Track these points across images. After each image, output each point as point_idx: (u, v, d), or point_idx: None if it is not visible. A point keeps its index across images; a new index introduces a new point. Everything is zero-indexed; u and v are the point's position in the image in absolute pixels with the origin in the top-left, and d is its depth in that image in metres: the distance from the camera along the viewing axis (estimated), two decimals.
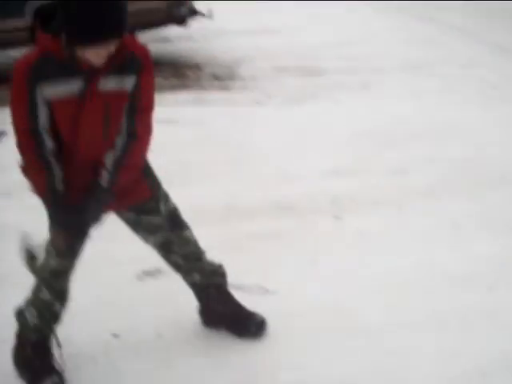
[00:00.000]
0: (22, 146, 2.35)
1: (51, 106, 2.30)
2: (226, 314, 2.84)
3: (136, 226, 2.66)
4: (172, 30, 8.37)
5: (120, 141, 2.42)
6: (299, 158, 4.07)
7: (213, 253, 2.84)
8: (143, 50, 2.40)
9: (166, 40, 8.88)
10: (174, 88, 6.95)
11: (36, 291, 2.58)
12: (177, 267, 2.78)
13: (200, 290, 2.83)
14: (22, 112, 2.29)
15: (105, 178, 2.42)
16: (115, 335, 2.87)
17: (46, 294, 2.55)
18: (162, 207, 2.62)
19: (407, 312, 3.01)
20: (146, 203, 2.59)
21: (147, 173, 2.61)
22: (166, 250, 2.71)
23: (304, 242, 3.24)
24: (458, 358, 2.70)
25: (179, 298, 2.99)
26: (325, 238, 3.32)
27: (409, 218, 3.86)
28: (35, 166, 2.35)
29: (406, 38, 8.79)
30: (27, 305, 2.60)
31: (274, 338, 2.83)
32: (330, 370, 2.65)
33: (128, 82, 2.35)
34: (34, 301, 2.57)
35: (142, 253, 3.43)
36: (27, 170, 2.40)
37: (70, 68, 2.26)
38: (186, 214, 2.73)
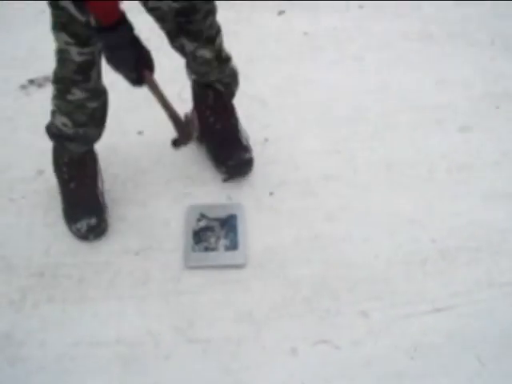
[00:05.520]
0: None
1: None
2: (216, 130, 2.33)
3: None
4: None
5: None
6: None
7: None
8: None
9: None
10: None
11: (60, 96, 2.07)
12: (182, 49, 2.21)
13: (198, 88, 2.34)
14: None
15: None
16: None
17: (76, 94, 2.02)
18: None
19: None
20: None
21: None
22: (183, 18, 2.11)
23: None
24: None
25: None
26: None
27: None
28: None
29: None
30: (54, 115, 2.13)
31: None
32: None
33: None
34: (61, 106, 2.08)
35: None
36: None
37: None
38: None
